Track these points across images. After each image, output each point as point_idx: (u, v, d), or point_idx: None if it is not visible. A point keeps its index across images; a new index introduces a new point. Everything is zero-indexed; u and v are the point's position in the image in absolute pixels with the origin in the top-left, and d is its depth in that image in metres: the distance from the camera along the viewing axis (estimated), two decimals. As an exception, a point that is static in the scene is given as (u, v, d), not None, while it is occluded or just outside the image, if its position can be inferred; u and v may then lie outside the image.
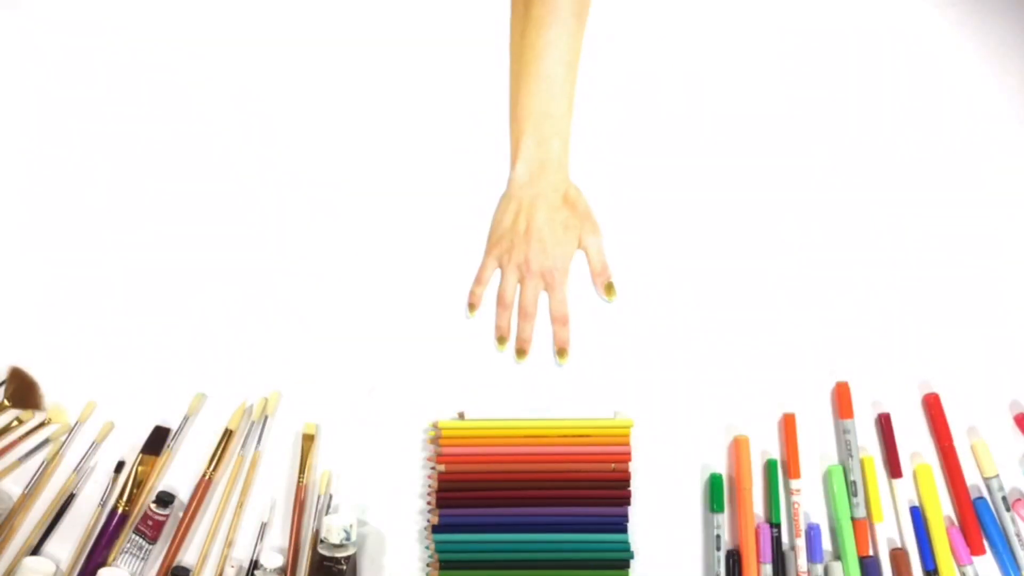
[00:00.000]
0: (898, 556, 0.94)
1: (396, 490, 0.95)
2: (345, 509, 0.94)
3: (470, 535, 0.93)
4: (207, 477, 0.93)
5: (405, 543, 0.95)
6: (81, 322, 0.95)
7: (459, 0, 0.96)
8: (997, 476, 0.93)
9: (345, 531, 0.91)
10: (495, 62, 0.95)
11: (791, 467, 0.93)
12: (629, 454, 0.94)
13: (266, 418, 0.94)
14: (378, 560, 0.95)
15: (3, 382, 0.94)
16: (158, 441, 0.93)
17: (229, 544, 0.93)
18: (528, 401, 0.95)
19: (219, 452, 0.93)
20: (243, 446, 0.94)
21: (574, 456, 0.93)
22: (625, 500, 0.94)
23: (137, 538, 0.93)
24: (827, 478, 0.94)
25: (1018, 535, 0.92)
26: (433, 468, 0.93)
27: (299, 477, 0.93)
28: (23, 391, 0.94)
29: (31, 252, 0.95)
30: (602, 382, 0.96)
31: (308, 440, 0.93)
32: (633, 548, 0.94)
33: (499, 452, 0.93)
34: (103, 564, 0.92)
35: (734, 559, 0.94)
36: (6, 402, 0.93)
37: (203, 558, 0.93)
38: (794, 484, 0.93)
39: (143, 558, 0.93)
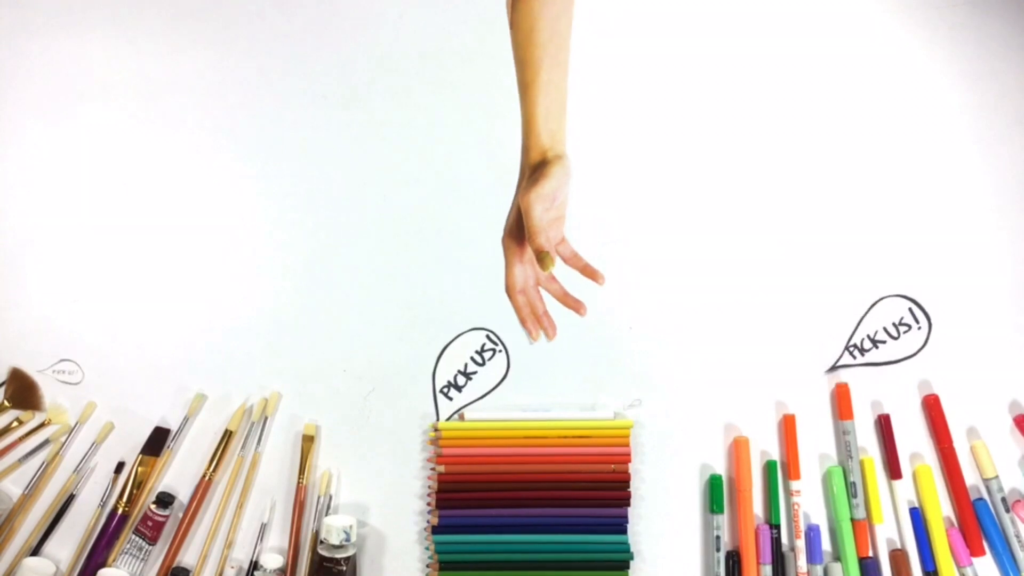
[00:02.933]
0: (898, 557, 0.94)
1: (396, 491, 0.95)
2: (345, 510, 0.94)
3: (470, 536, 0.93)
4: (207, 478, 0.93)
5: (405, 544, 0.95)
6: (81, 322, 0.95)
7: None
8: (996, 477, 0.93)
9: (345, 532, 0.91)
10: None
11: (791, 468, 0.93)
12: (629, 455, 0.94)
13: (266, 418, 0.94)
14: (378, 561, 0.95)
15: (3, 383, 0.94)
16: (158, 442, 0.93)
17: (229, 545, 0.93)
18: (528, 402, 0.95)
19: (219, 453, 0.93)
20: (243, 447, 0.94)
21: (574, 457, 0.93)
22: (625, 501, 0.94)
23: (137, 539, 0.93)
24: (827, 479, 0.94)
25: (1018, 536, 0.93)
26: (433, 469, 0.93)
27: (299, 478, 0.93)
28: (23, 392, 0.94)
29: (31, 253, 0.95)
30: (602, 382, 0.96)
31: (308, 441, 0.93)
32: (633, 549, 0.94)
33: (499, 453, 0.93)
34: (103, 565, 0.92)
35: (734, 560, 0.94)
36: (6, 403, 0.93)
37: (203, 559, 0.93)
38: (794, 485, 0.93)
39: (143, 559, 0.93)
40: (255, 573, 0.92)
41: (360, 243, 0.95)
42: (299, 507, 0.93)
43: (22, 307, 0.95)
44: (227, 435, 0.94)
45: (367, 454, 0.95)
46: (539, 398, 0.95)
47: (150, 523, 0.93)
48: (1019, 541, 0.93)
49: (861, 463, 0.94)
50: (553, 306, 0.94)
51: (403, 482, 0.95)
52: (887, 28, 0.95)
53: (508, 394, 0.95)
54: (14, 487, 0.94)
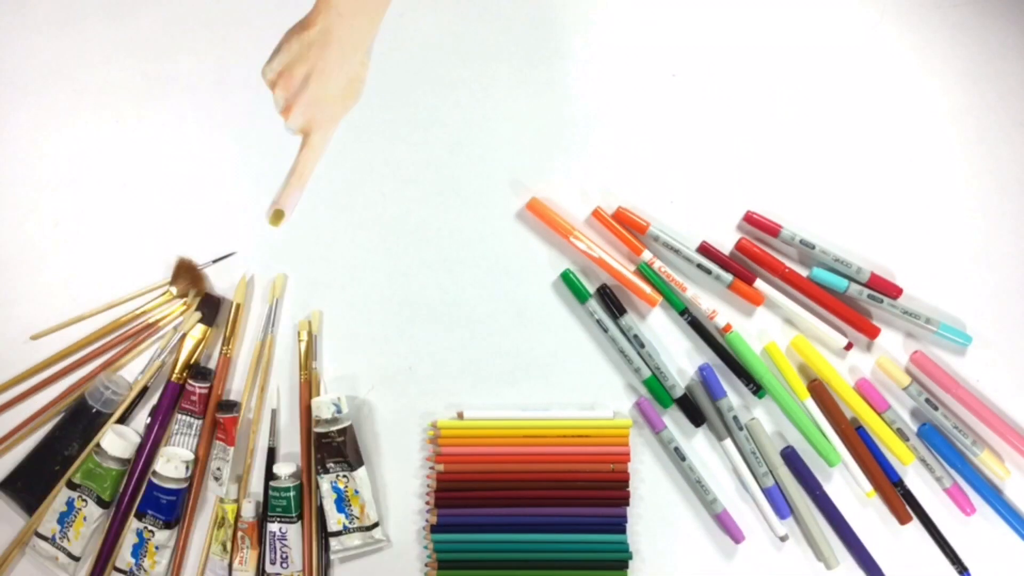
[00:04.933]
0: (817, 388, 0.95)
1: (395, 490, 0.97)
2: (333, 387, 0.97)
3: (468, 535, 0.95)
4: (225, 355, 0.96)
5: (404, 543, 0.98)
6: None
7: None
8: (912, 383, 0.94)
9: (334, 404, 0.92)
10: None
11: (632, 247, 0.95)
12: (628, 454, 0.95)
13: (277, 301, 0.96)
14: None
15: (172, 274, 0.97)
16: (212, 310, 0.96)
17: (254, 432, 0.97)
18: (527, 401, 0.96)
19: (231, 325, 0.95)
20: (263, 331, 0.97)
21: (573, 456, 0.95)
22: (624, 501, 0.95)
23: (185, 417, 0.96)
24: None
25: (957, 427, 0.94)
26: (432, 468, 0.94)
27: (301, 373, 0.96)
28: (192, 284, 0.96)
29: (30, 246, 0.97)
30: (600, 383, 0.97)
31: (308, 334, 0.96)
32: (632, 549, 0.96)
33: (498, 452, 0.95)
34: (160, 440, 0.96)
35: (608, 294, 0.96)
36: (173, 291, 0.96)
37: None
38: (645, 257, 0.95)
39: (196, 434, 0.96)
40: (272, 483, 0.95)
41: (360, 240, 0.96)
42: (305, 399, 0.95)
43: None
44: (236, 308, 0.95)
45: (366, 452, 0.97)
46: (538, 398, 0.96)
47: (193, 397, 0.95)
48: (959, 431, 0.94)
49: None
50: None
51: (402, 481, 0.97)
52: (888, 28, 0.94)
53: (507, 393, 0.96)
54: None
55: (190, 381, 0.94)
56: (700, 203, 0.95)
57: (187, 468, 0.95)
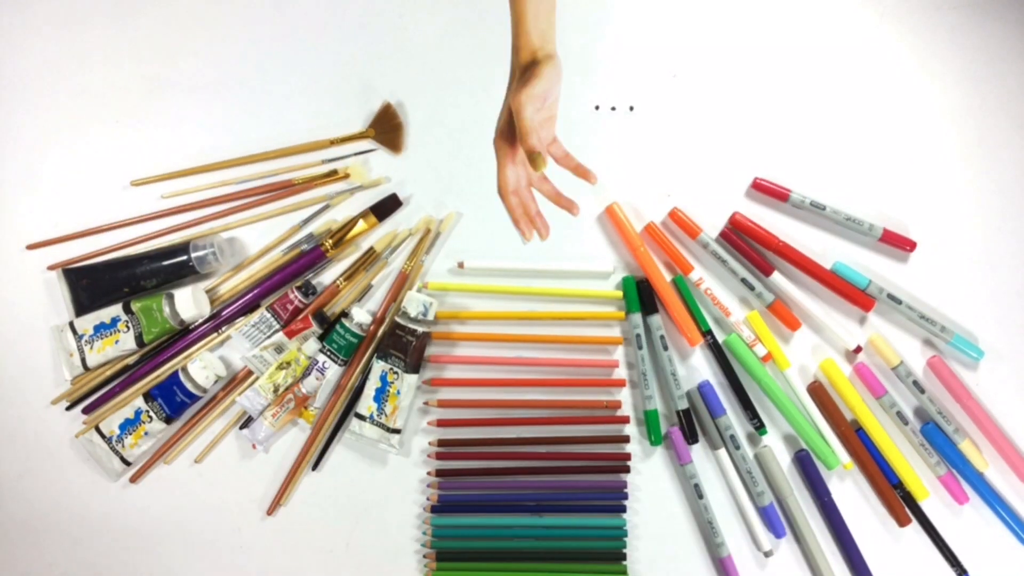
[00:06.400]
0: (816, 389, 0.97)
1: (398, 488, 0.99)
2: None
3: (466, 519, 0.97)
4: (337, 284, 0.96)
5: (403, 542, 0.99)
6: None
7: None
8: (902, 363, 0.95)
9: (424, 305, 0.92)
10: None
11: (681, 265, 0.96)
12: (618, 363, 0.97)
13: (438, 234, 0.98)
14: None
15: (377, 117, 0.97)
16: (388, 207, 0.96)
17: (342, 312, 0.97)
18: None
19: (357, 266, 0.96)
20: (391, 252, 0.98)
21: (567, 362, 0.97)
22: (624, 461, 0.97)
23: (269, 316, 0.94)
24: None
25: (941, 413, 0.95)
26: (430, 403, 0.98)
27: (406, 263, 0.97)
28: (391, 130, 0.96)
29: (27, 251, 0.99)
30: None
31: (426, 233, 0.97)
32: (632, 533, 0.97)
33: (489, 357, 0.97)
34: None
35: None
36: (371, 130, 0.97)
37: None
38: (693, 276, 0.96)
39: (267, 336, 0.94)
40: (343, 319, 0.95)
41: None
42: (398, 286, 0.96)
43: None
44: (369, 252, 0.96)
45: (367, 451, 0.99)
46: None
47: (289, 306, 0.94)
48: (943, 416, 0.94)
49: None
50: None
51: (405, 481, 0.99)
52: (888, 29, 0.94)
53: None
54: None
55: (294, 289, 0.94)
56: (696, 198, 0.96)
57: (215, 381, 0.94)
